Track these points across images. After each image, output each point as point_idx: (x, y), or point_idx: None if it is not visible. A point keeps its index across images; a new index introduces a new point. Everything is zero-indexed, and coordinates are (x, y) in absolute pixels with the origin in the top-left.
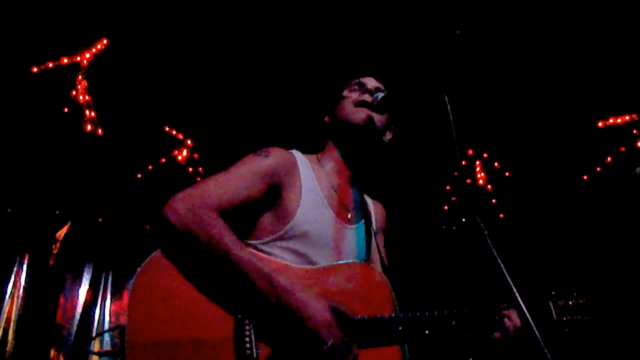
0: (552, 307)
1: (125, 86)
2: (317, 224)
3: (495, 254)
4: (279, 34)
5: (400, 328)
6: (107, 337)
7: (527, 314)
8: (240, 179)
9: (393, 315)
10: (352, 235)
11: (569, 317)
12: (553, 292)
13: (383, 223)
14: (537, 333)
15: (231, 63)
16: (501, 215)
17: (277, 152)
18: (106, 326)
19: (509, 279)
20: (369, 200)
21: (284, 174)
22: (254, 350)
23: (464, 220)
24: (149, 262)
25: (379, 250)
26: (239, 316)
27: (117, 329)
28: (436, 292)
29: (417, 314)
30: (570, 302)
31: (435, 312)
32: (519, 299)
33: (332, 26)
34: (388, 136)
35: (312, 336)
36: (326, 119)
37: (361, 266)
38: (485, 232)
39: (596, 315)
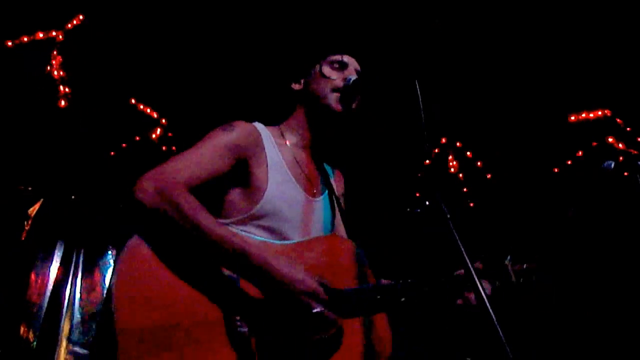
0: (510, 271)
1: (100, 63)
2: (287, 200)
3: (456, 235)
4: (250, 8)
5: (378, 296)
6: (77, 314)
7: (483, 295)
8: (206, 153)
9: (370, 284)
10: (319, 209)
11: (524, 280)
12: (509, 257)
13: (342, 188)
14: (493, 318)
15: (204, 39)
16: (471, 204)
17: (241, 125)
18: (77, 304)
19: (467, 259)
20: (329, 170)
21: (250, 147)
22: (245, 327)
23: (427, 203)
24: (128, 245)
25: (342, 220)
26: (224, 293)
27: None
28: (399, 271)
29: (392, 282)
30: (525, 266)
31: (409, 280)
32: (477, 280)
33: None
34: (353, 106)
35: (297, 304)
36: (295, 85)
37: (333, 239)
38: (448, 216)
39: (549, 276)
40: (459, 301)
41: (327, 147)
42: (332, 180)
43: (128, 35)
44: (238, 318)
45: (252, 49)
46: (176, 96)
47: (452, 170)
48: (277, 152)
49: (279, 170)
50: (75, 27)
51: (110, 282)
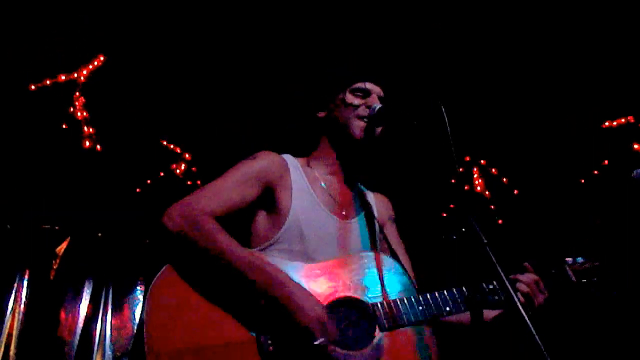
0: (569, 272)
1: (122, 102)
2: (311, 223)
3: (494, 259)
4: (272, 40)
5: (420, 308)
6: (108, 351)
7: (525, 316)
8: (232, 183)
9: (410, 296)
10: (353, 230)
11: (586, 279)
12: (567, 259)
13: (390, 213)
14: (532, 329)
15: (226, 75)
16: (500, 222)
17: (267, 154)
18: (107, 340)
19: (509, 286)
20: (369, 193)
21: (275, 175)
22: (273, 346)
23: (463, 229)
24: (160, 275)
25: (387, 241)
26: (253, 314)
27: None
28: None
29: (435, 293)
30: (586, 265)
31: (453, 289)
32: (519, 304)
33: (326, 28)
34: (377, 133)
35: (303, 330)
36: (321, 114)
37: (366, 256)
38: (485, 241)
39: (611, 275)
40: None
41: (359, 172)
42: (372, 203)
43: (149, 73)
44: (268, 337)
45: (275, 81)
46: (199, 131)
47: (478, 189)
48: (304, 178)
49: (304, 194)
50: (96, 67)
51: (142, 311)
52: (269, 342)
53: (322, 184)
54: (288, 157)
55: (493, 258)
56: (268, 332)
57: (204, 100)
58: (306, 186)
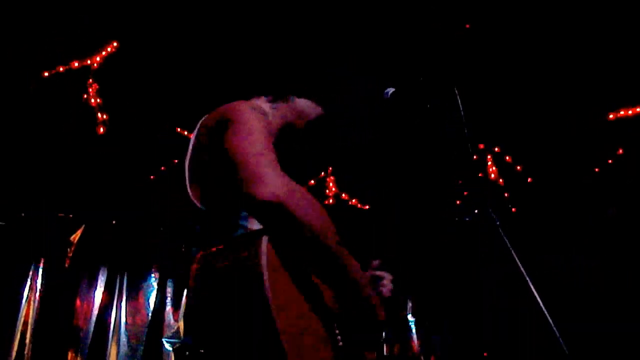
0: None
1: (136, 88)
2: None
3: (508, 242)
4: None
5: None
6: (123, 337)
7: (541, 303)
8: None
9: None
10: None
11: None
12: None
13: None
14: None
15: (237, 59)
16: (513, 210)
17: None
18: (122, 327)
19: (521, 266)
20: None
21: None
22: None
23: (476, 211)
24: (266, 250)
25: None
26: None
27: None
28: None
29: None
30: None
31: None
32: (532, 286)
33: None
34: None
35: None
36: None
37: None
38: (497, 223)
39: None
40: None
41: None
42: None
43: (162, 59)
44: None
45: (285, 67)
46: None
47: (492, 176)
48: None
49: None
50: (109, 54)
51: (256, 287)
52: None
53: None
54: None
55: (505, 239)
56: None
57: (216, 87)
58: None
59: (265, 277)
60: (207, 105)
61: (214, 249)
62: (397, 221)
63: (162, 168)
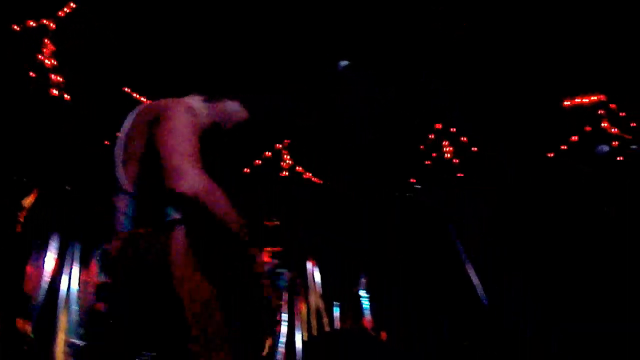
0: None
1: (93, 51)
2: None
3: (448, 222)
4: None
5: None
6: (74, 306)
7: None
8: None
9: None
10: None
11: None
12: None
13: None
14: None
15: (198, 26)
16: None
17: None
18: (73, 296)
19: (459, 243)
20: None
21: None
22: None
23: (419, 187)
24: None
25: None
26: None
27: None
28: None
29: None
30: None
31: None
32: (471, 270)
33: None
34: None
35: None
36: None
37: None
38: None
39: None
40: None
41: None
42: None
43: (121, 22)
44: None
45: (250, 35)
46: (171, 84)
47: (448, 155)
48: None
49: None
50: (67, 14)
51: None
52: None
53: None
54: None
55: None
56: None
57: (177, 53)
58: None
59: (176, 260)
60: (164, 70)
61: (141, 230)
62: (353, 197)
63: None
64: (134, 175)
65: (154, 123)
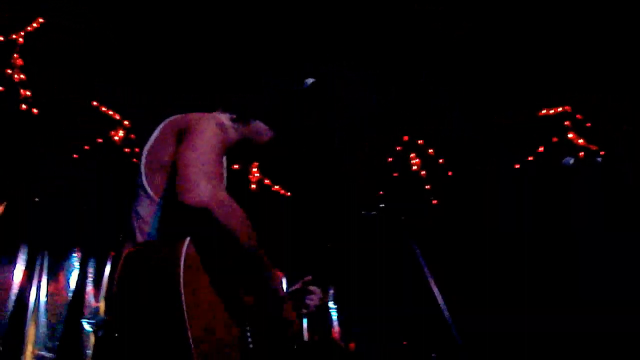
0: None
1: (61, 65)
2: None
3: (410, 239)
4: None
5: None
6: (42, 318)
7: (440, 301)
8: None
9: None
10: None
11: None
12: None
13: None
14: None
15: (166, 40)
16: (434, 202)
17: None
18: (42, 307)
19: (425, 267)
20: None
21: None
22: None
23: (382, 206)
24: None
25: None
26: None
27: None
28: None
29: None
30: None
31: None
32: (435, 289)
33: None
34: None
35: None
36: None
37: None
38: (402, 217)
39: None
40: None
41: None
42: None
43: (89, 37)
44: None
45: (219, 46)
46: (139, 97)
47: (415, 167)
48: None
49: None
50: (35, 29)
51: (172, 289)
52: (250, 339)
53: None
54: None
55: (409, 237)
56: (253, 327)
57: (143, 66)
58: None
59: (181, 273)
60: (133, 85)
61: (150, 242)
62: (319, 211)
63: (86, 147)
64: (160, 185)
65: (183, 134)
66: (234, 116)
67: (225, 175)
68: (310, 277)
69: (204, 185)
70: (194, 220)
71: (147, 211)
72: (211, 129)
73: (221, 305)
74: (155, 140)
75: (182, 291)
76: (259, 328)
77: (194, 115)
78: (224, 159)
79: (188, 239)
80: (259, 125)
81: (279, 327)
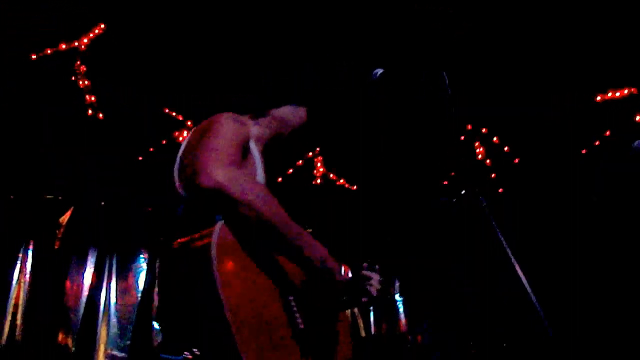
0: None
1: (124, 70)
2: None
3: (494, 223)
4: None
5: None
6: (113, 318)
7: (526, 285)
8: None
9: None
10: None
11: None
12: None
13: None
14: (536, 304)
15: (229, 42)
16: (500, 190)
17: None
18: (112, 308)
19: (507, 248)
20: None
21: None
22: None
23: (462, 192)
24: (219, 236)
25: None
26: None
27: None
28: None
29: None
30: None
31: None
32: (518, 268)
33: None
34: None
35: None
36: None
37: None
38: (484, 204)
39: None
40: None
41: None
42: None
43: (150, 40)
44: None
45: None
46: (201, 98)
47: (480, 157)
48: None
49: None
50: (97, 35)
51: (207, 278)
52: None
53: None
54: None
55: (493, 221)
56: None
57: (205, 67)
58: None
59: (214, 255)
60: (195, 87)
61: (188, 237)
62: (385, 202)
63: (151, 149)
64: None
65: (204, 131)
66: (251, 115)
67: (259, 170)
68: (365, 264)
69: (216, 166)
70: (215, 205)
71: (184, 211)
72: (225, 122)
73: (258, 284)
74: (186, 140)
75: (216, 273)
76: (305, 298)
77: (215, 115)
78: (256, 153)
79: (221, 222)
80: (282, 110)
81: (324, 285)
